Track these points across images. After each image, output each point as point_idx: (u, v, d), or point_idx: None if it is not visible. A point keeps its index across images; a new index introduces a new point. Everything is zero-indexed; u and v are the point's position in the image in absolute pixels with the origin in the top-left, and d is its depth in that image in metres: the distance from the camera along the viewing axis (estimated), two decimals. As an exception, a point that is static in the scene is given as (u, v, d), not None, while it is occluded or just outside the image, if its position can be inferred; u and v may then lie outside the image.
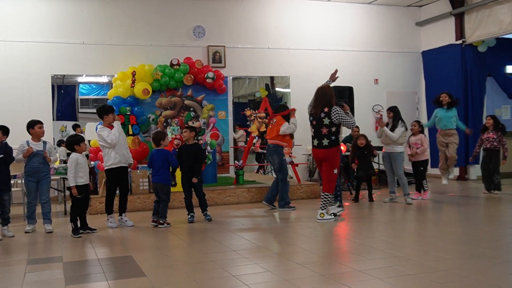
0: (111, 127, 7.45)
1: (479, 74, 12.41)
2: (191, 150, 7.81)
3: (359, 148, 9.57)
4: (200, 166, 8.02)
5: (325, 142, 7.44)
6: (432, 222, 7.77)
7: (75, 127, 14.45)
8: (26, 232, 7.13)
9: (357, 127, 11.25)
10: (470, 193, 10.41)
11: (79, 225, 7.01)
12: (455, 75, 12.42)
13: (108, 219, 7.53)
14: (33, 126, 7.20)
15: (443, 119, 9.61)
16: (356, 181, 9.75)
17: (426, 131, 10.32)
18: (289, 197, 8.82)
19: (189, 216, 7.78)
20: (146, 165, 9.61)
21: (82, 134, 13.34)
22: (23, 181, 7.36)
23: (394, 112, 9.37)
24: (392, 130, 9.16)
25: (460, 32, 12.39)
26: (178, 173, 8.50)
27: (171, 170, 7.67)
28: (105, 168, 7.46)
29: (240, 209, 8.96)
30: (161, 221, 7.43)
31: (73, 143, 7.06)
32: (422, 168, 9.48)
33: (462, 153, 12.13)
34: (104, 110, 7.50)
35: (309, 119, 7.75)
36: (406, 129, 9.27)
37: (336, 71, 8.03)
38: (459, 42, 12.36)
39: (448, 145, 9.62)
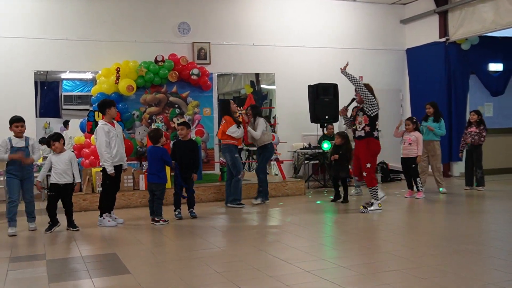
0: (112, 123, 7.33)
1: (463, 71, 12.53)
2: (188, 147, 7.82)
3: (336, 147, 9.14)
4: (199, 163, 8.08)
5: None
6: (415, 218, 7.83)
7: (66, 123, 14.33)
8: (11, 236, 6.80)
9: (331, 125, 11.38)
10: (453, 189, 10.50)
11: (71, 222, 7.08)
12: (439, 72, 12.53)
13: (104, 218, 7.34)
14: (11, 124, 6.99)
15: (429, 130, 9.74)
16: (332, 180, 9.43)
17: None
18: (240, 195, 8.79)
19: (177, 213, 7.76)
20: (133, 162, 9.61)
21: (66, 131, 13.25)
22: (5, 178, 7.15)
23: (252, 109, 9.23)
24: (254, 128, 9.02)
25: (443, 30, 12.50)
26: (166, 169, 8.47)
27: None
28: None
29: (225, 206, 8.94)
30: (156, 218, 7.39)
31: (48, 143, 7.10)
32: (414, 166, 9.26)
33: (445, 149, 12.25)
34: (105, 104, 7.33)
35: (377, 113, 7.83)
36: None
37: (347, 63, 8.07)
38: (443, 40, 12.46)
39: (429, 157, 9.78)
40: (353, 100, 7.89)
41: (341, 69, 7.88)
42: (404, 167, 9.51)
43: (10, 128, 7.01)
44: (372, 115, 7.68)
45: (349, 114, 8.13)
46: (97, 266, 5.22)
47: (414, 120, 9.40)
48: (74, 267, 5.24)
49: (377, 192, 7.89)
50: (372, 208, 7.83)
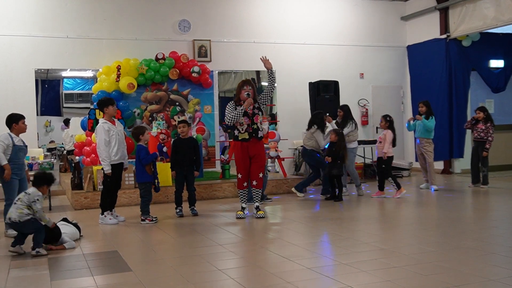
0: (113, 121, 7.31)
1: (464, 68, 12.51)
2: (189, 144, 7.82)
3: (330, 144, 8.95)
4: (200, 160, 8.13)
5: None
6: (416, 215, 7.83)
7: (66, 122, 14.36)
8: (13, 237, 6.36)
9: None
10: (455, 186, 10.50)
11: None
12: (440, 69, 12.51)
13: (105, 216, 7.33)
14: (18, 121, 6.79)
15: (422, 127, 9.76)
16: (327, 178, 9.14)
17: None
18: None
19: (178, 210, 7.76)
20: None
21: (67, 129, 13.28)
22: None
23: (344, 111, 9.54)
24: (342, 128, 9.29)
25: (444, 26, 12.47)
26: (167, 167, 8.45)
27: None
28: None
29: (226, 203, 8.95)
30: (142, 217, 7.34)
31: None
32: (383, 166, 9.06)
33: (446, 146, 12.26)
34: (102, 103, 7.30)
35: None
36: (356, 128, 9.44)
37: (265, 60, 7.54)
38: (444, 36, 12.44)
39: (423, 155, 9.77)
40: (248, 95, 7.28)
41: (268, 65, 7.41)
42: (377, 166, 9.35)
43: (16, 124, 6.77)
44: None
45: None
46: (98, 264, 5.23)
47: (388, 118, 9.18)
48: (75, 265, 5.25)
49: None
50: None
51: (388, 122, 9.14)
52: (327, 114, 10.45)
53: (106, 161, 7.12)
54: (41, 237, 5.67)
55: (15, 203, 5.76)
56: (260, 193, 7.61)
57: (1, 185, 6.83)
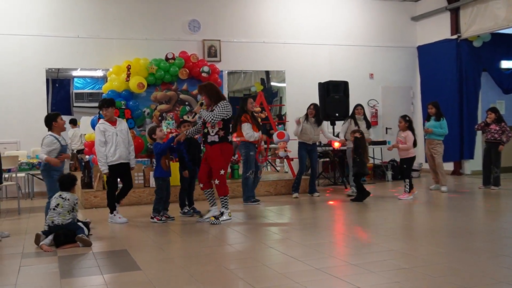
0: (113, 122, 7.30)
1: (474, 69, 12.44)
2: (195, 143, 7.91)
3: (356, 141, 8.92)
4: None
5: None
6: (426, 216, 7.80)
7: (73, 122, 14.40)
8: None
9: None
10: (465, 187, 10.44)
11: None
12: (451, 70, 12.46)
13: (115, 215, 7.35)
14: (56, 119, 6.80)
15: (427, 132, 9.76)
16: (354, 177, 9.08)
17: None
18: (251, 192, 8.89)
19: (186, 210, 7.81)
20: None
21: (74, 128, 13.34)
22: (49, 176, 6.78)
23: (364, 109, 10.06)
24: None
25: (455, 27, 12.41)
26: (175, 167, 8.48)
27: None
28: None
29: (235, 203, 8.94)
30: (151, 215, 7.35)
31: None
32: (405, 166, 9.09)
33: (456, 147, 12.18)
34: (102, 104, 7.33)
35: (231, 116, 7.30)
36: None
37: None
38: (455, 37, 12.38)
39: (432, 156, 9.73)
40: (201, 104, 7.21)
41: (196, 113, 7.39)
42: (400, 168, 9.49)
43: (55, 122, 6.78)
44: (226, 118, 7.04)
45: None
46: (108, 262, 5.25)
47: (407, 118, 9.12)
48: (85, 263, 5.28)
49: (228, 200, 7.24)
50: (223, 218, 7.14)
51: (407, 122, 9.09)
52: (337, 114, 10.47)
53: (102, 161, 7.16)
54: (82, 230, 6.04)
55: (54, 209, 6.01)
56: (222, 200, 7.21)
57: (45, 181, 6.91)
